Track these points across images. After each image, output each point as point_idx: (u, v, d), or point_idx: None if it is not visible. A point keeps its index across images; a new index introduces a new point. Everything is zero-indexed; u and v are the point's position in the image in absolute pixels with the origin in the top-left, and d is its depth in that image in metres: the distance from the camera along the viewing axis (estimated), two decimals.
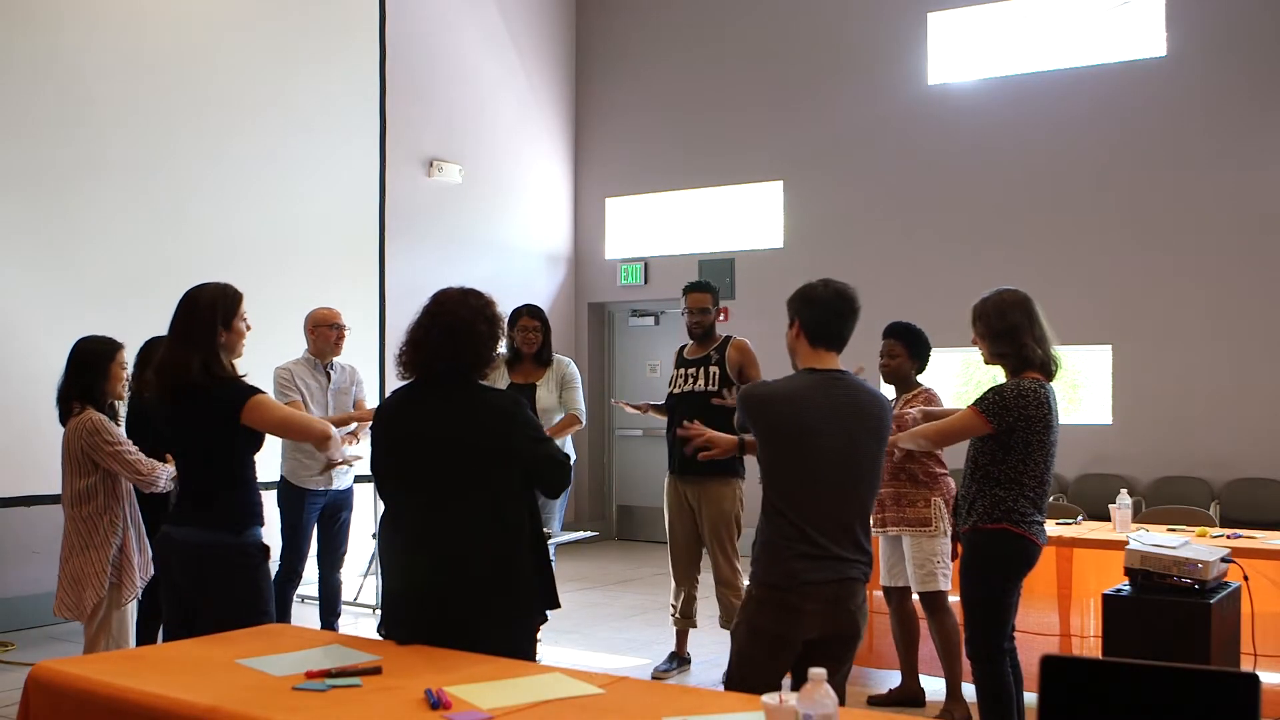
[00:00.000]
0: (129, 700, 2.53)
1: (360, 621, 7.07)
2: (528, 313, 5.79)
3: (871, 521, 5.09)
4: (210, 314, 3.57)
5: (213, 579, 3.55)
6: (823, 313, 3.41)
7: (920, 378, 5.23)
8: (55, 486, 4.51)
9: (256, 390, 3.60)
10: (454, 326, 3.09)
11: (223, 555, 3.53)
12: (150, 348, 5.00)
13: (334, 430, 3.88)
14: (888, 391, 5.11)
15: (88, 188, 6.81)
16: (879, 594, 5.60)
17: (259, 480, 3.73)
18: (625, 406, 6.14)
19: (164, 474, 4.38)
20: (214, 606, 3.49)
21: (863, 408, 3.36)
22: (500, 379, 5.76)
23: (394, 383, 3.30)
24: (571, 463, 3.45)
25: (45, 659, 2.89)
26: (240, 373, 3.67)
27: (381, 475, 3.20)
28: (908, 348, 5.15)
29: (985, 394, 4.04)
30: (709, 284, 5.92)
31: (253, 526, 3.61)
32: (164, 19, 7.26)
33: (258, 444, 3.66)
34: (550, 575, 3.23)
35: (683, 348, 5.92)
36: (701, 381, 5.67)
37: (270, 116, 7.74)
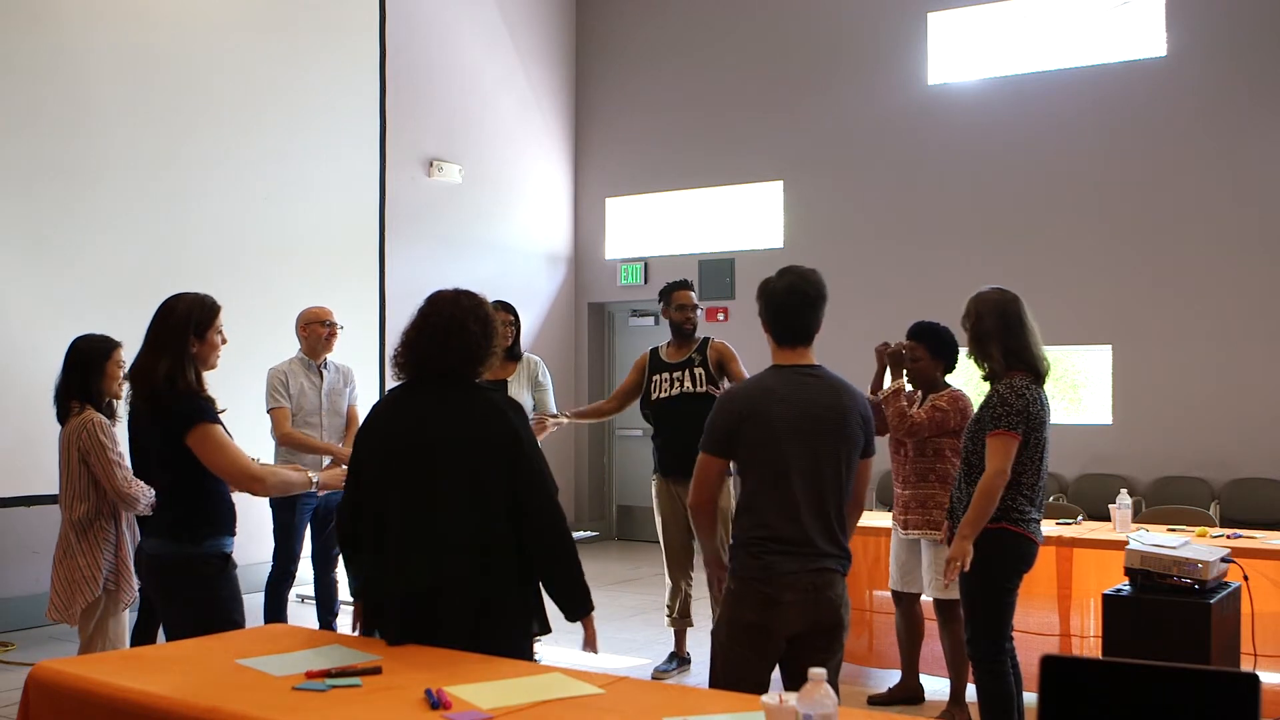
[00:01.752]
0: (129, 700, 2.53)
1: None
2: (501, 307, 5.81)
3: (893, 521, 5.12)
4: (184, 322, 3.55)
5: (171, 588, 3.58)
6: (778, 309, 3.38)
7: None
8: (55, 486, 4.47)
9: (207, 419, 3.49)
10: (446, 327, 3.10)
11: (180, 565, 3.54)
12: None
13: (273, 476, 3.75)
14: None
15: (89, 188, 6.81)
16: (881, 594, 5.60)
17: None
18: (563, 420, 5.87)
19: (145, 497, 4.15)
20: (177, 616, 3.52)
21: (831, 402, 3.33)
22: None
23: (393, 384, 3.30)
24: None
25: (45, 659, 2.89)
26: (207, 388, 3.60)
27: (364, 475, 3.15)
28: (929, 349, 4.99)
29: (995, 410, 3.99)
30: (690, 281, 6.08)
31: (215, 536, 3.57)
32: (164, 19, 7.26)
33: None
34: (539, 594, 3.14)
35: (655, 350, 5.96)
36: (689, 384, 5.74)
37: (270, 116, 7.75)
